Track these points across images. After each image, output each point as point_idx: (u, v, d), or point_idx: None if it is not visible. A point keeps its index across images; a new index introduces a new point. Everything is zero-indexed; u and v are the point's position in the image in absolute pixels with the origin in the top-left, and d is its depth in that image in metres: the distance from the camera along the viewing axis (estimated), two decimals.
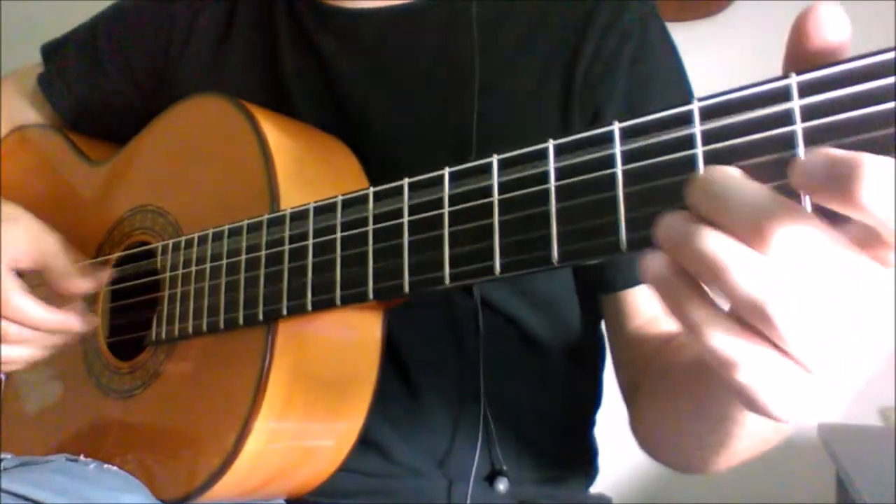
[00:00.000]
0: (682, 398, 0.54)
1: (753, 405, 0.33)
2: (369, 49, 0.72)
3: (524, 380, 0.71)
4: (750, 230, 0.30)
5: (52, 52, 0.90)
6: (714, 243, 0.30)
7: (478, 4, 0.70)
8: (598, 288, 0.69)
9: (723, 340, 0.32)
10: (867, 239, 0.30)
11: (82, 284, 0.69)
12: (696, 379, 0.51)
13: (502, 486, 0.68)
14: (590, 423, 0.78)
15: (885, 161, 0.27)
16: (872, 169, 0.27)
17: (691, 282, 0.32)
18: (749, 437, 0.50)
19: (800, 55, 0.32)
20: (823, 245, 0.29)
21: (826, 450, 1.27)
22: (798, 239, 0.29)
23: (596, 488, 0.80)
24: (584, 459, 0.78)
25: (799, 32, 0.32)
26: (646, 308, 0.66)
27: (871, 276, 0.29)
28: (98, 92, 0.86)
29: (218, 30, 0.79)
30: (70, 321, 0.68)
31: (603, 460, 0.79)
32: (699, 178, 0.32)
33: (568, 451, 0.76)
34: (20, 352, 0.69)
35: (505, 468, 0.68)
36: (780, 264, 0.30)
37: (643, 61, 0.67)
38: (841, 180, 0.27)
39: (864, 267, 0.30)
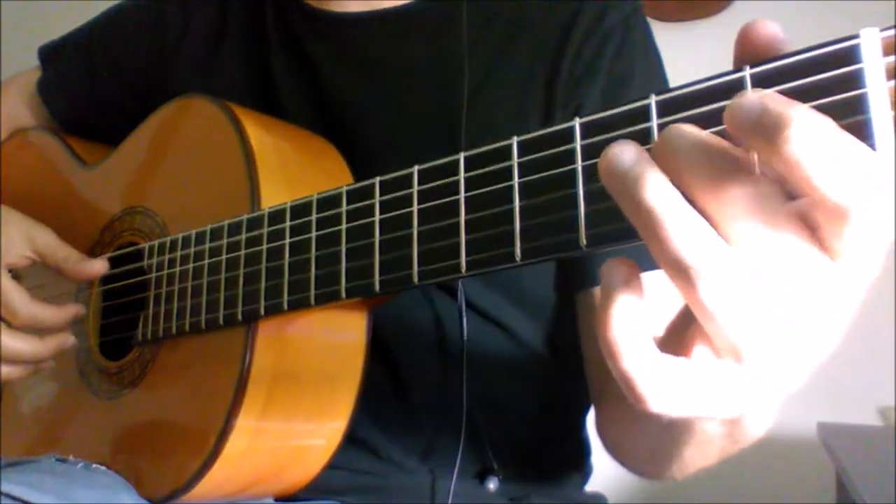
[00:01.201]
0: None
1: None
2: (358, 52, 0.73)
3: (511, 379, 0.71)
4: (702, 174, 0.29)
5: (50, 54, 0.91)
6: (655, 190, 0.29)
7: (467, 6, 0.70)
8: (574, 285, 0.69)
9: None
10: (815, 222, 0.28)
11: (93, 267, 0.69)
12: None
13: (493, 484, 0.68)
14: (581, 422, 0.78)
15: (817, 117, 0.26)
16: (802, 121, 0.26)
17: None
18: (700, 447, 0.49)
19: (746, 52, 0.32)
20: (772, 211, 0.28)
21: (826, 449, 1.26)
22: (749, 196, 0.28)
23: (591, 487, 0.80)
24: (576, 458, 0.78)
25: (742, 35, 0.32)
26: None
27: (815, 263, 0.28)
28: (94, 94, 0.87)
29: (210, 32, 0.80)
30: (68, 316, 0.68)
31: (598, 459, 0.79)
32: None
33: (559, 449, 0.76)
34: (9, 370, 0.68)
35: (496, 466, 0.68)
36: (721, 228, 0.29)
37: (623, 61, 0.67)
38: (769, 128, 0.26)
39: (808, 251, 0.28)
